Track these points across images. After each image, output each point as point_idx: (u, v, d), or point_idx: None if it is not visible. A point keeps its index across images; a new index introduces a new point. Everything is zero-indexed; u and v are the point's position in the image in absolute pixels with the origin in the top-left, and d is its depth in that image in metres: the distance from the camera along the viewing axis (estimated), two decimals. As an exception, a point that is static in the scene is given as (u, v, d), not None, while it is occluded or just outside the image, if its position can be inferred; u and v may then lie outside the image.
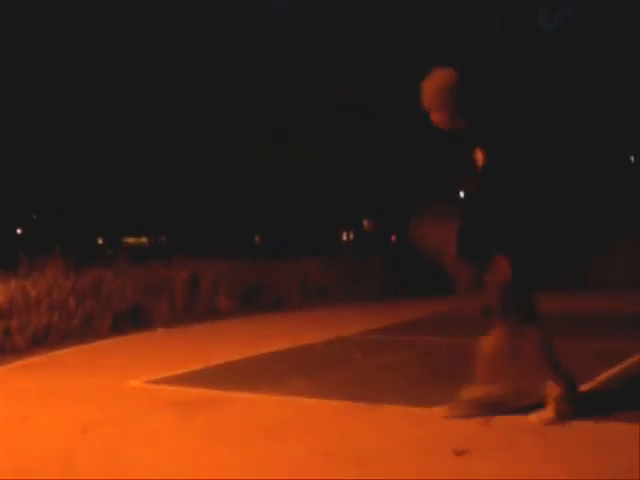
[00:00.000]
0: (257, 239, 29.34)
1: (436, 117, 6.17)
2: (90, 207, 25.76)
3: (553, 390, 6.13)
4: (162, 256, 16.09)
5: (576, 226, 21.36)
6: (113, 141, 24.45)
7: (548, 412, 6.12)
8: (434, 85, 6.14)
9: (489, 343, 6.26)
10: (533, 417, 6.14)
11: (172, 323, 13.18)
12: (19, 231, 29.18)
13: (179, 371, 8.73)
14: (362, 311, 15.04)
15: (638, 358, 9.04)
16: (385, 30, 23.48)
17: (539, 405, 6.20)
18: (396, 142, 24.27)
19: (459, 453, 5.38)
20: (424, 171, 24.14)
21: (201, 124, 23.51)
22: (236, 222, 24.26)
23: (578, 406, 6.17)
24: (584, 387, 7.14)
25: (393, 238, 26.74)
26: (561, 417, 6.06)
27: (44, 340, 11.32)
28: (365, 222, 29.96)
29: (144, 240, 31.92)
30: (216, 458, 5.45)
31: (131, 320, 12.91)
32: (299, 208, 23.59)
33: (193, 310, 14.07)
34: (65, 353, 10.53)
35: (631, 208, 21.77)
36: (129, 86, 23.62)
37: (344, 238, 29.56)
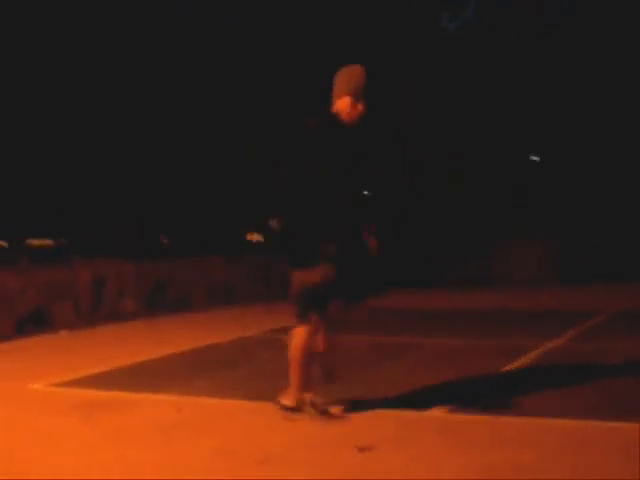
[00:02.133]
0: (162, 239, 29.15)
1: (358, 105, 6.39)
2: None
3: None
4: (66, 258, 15.88)
5: (480, 225, 21.71)
6: (18, 144, 24.06)
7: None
8: (355, 75, 6.43)
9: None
10: None
11: (76, 325, 13.03)
12: None
13: (82, 374, 8.64)
14: (268, 311, 15.04)
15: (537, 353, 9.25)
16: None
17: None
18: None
19: (362, 450, 5.44)
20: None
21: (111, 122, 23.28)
22: (140, 221, 24.00)
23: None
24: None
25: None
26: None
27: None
28: (273, 222, 29.91)
29: (49, 242, 31.46)
30: (118, 459, 5.42)
31: (34, 323, 12.73)
32: (205, 206, 23.47)
33: (98, 312, 13.92)
34: (-35, 357, 10.38)
35: (533, 209, 22.18)
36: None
37: (252, 238, 29.50)
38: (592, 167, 22.54)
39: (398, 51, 23.75)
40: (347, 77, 6.45)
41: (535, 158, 25.11)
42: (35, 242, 31.11)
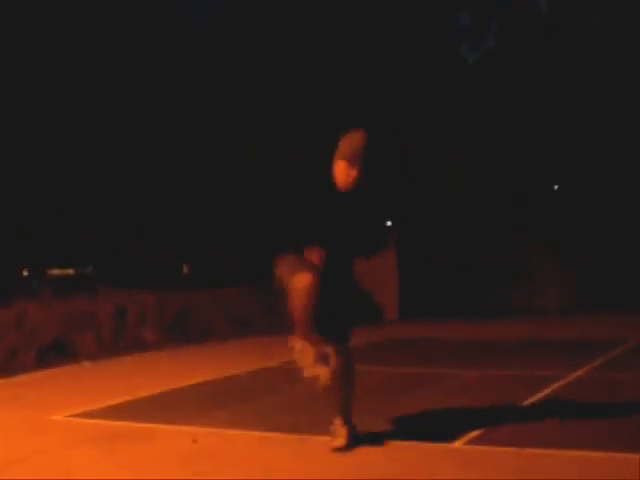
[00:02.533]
0: (185, 269, 29.22)
1: (351, 171, 6.41)
2: (15, 238, 25.46)
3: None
4: (88, 288, 15.91)
5: (499, 254, 21.62)
6: (36, 173, 24.20)
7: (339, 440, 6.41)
8: (354, 140, 6.47)
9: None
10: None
11: (98, 356, 13.04)
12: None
13: (103, 404, 8.65)
14: (286, 341, 14.99)
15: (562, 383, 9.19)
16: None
17: None
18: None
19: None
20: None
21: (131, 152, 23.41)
22: (162, 252, 24.10)
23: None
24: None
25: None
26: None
27: (-34, 375, 11.16)
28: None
29: (70, 272, 31.58)
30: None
31: (56, 353, 12.74)
32: (226, 237, 23.54)
33: (119, 342, 13.93)
34: (-13, 387, 10.38)
35: (557, 237, 22.09)
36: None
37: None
38: (616, 189, 22.45)
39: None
40: (345, 142, 6.50)
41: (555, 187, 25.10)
42: (56, 271, 31.25)
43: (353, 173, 6.40)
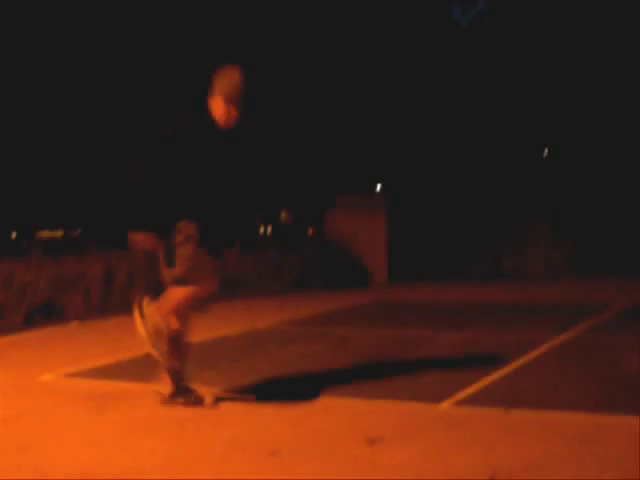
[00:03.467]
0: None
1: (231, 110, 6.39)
2: (4, 200, 25.39)
3: None
4: (77, 250, 15.88)
5: (490, 219, 21.66)
6: (27, 136, 24.09)
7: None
8: (232, 78, 6.42)
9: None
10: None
11: (87, 317, 13.06)
12: None
13: (92, 364, 8.68)
14: (277, 304, 15.05)
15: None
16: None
17: None
18: (313, 133, 24.40)
19: (371, 442, 5.44)
20: (339, 164, 24.37)
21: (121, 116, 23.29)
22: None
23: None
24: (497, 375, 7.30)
25: (310, 231, 26.84)
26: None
27: (-46, 335, 11.16)
28: (283, 214, 29.98)
29: (59, 234, 31.53)
30: (130, 449, 5.44)
31: (45, 314, 12.75)
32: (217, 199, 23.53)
33: (108, 303, 13.93)
34: (-24, 348, 10.39)
35: (546, 202, 22.11)
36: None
37: (261, 231, 29.51)
38: (611, 159, 22.43)
39: (412, 44, 23.82)
40: (223, 78, 6.42)
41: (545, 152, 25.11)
42: (45, 233, 31.21)
43: (233, 113, 6.36)
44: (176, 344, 6.47)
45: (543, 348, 9.14)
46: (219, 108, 6.38)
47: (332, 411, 6.39)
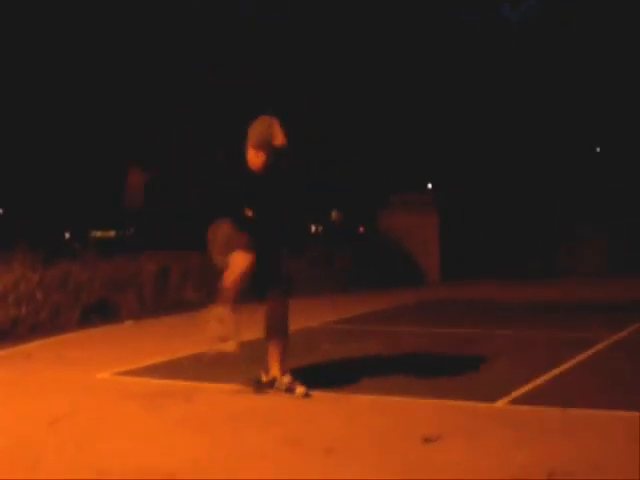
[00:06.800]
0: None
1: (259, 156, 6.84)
2: (58, 201, 25.64)
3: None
4: (130, 249, 16.00)
5: (544, 218, 21.53)
6: (80, 137, 24.32)
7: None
8: (257, 126, 6.86)
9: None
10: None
11: (140, 316, 13.15)
12: (-15, 224, 28.98)
13: (147, 363, 8.72)
14: (330, 302, 15.05)
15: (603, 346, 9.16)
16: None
17: None
18: (364, 134, 24.39)
19: (428, 440, 5.42)
20: (391, 163, 24.33)
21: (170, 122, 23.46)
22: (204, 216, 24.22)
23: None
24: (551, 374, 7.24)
25: (361, 229, 26.83)
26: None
27: (11, 334, 11.26)
28: (333, 213, 29.99)
29: (112, 234, 31.80)
30: (185, 447, 5.45)
31: (99, 313, 12.86)
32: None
33: (162, 302, 14.02)
34: (32, 346, 10.44)
35: (600, 201, 21.96)
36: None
37: (312, 230, 29.53)
38: None
39: (465, 43, 23.75)
40: (251, 129, 6.85)
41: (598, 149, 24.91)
42: (98, 233, 31.50)
43: (261, 157, 6.77)
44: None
45: (599, 346, 9.07)
46: (250, 158, 6.85)
47: (386, 409, 6.39)
